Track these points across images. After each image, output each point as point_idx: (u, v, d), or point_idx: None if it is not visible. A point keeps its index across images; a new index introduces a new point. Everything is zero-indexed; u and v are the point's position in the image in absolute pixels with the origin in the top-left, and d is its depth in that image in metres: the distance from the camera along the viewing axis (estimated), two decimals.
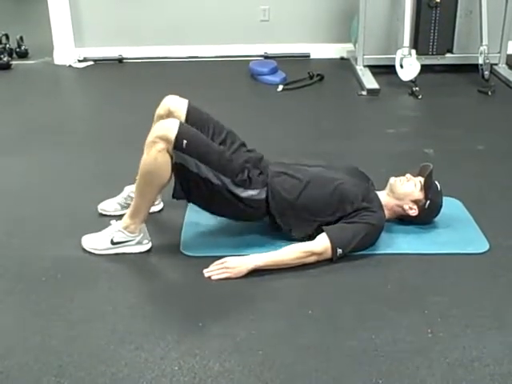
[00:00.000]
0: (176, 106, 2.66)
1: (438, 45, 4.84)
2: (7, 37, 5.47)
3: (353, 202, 2.51)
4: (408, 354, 2.00)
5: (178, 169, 2.39)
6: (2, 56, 5.21)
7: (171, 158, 2.36)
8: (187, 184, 2.44)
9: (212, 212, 2.59)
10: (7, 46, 5.41)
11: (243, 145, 2.68)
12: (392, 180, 2.67)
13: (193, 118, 2.62)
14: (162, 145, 2.34)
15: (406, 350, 2.01)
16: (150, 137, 2.38)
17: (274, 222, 2.57)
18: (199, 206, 2.56)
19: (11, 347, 2.04)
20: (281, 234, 2.56)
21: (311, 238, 2.50)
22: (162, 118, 2.62)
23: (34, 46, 5.60)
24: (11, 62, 5.25)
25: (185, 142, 2.35)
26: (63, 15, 5.20)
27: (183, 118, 2.60)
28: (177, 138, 2.34)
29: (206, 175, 2.40)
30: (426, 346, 2.03)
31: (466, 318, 2.16)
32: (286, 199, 2.51)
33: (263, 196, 2.50)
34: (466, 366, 1.94)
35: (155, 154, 2.35)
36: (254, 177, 2.50)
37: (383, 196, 2.65)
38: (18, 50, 5.50)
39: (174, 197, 2.50)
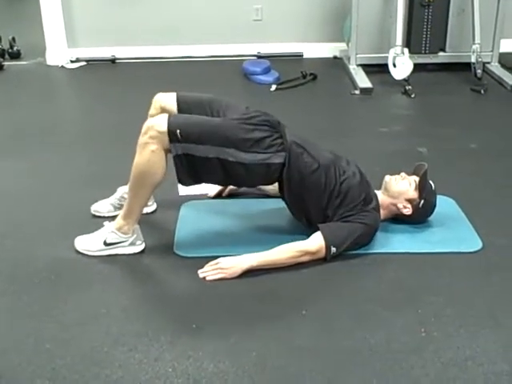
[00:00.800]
0: (165, 101, 2.65)
1: (431, 43, 4.85)
2: None
3: (354, 200, 2.51)
4: (402, 353, 2.00)
5: (181, 160, 2.36)
6: None
7: (166, 154, 2.35)
8: (196, 170, 2.40)
9: (231, 184, 2.68)
10: None
11: (248, 108, 2.64)
12: (387, 178, 2.67)
13: (185, 105, 2.61)
14: (154, 145, 2.33)
15: (401, 349, 2.01)
16: (141, 138, 2.37)
17: (280, 189, 2.55)
18: (214, 183, 2.58)
19: (4, 349, 2.03)
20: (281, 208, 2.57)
21: (308, 223, 2.53)
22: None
23: (27, 47, 5.59)
24: (3, 63, 5.23)
25: (178, 131, 2.33)
26: (55, 16, 5.19)
27: (175, 109, 2.60)
28: (169, 131, 2.33)
29: (211, 155, 2.36)
30: (420, 346, 2.03)
31: (459, 317, 2.16)
32: (301, 173, 2.46)
33: (278, 160, 2.43)
34: (460, 366, 1.95)
35: (148, 155, 2.34)
36: (267, 139, 2.43)
37: (379, 195, 2.65)
38: (10, 50, 5.49)
39: (180, 183, 2.46)
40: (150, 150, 2.34)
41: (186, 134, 2.35)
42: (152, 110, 2.67)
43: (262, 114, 2.54)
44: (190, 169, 2.39)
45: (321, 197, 2.50)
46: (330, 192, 2.50)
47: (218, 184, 2.73)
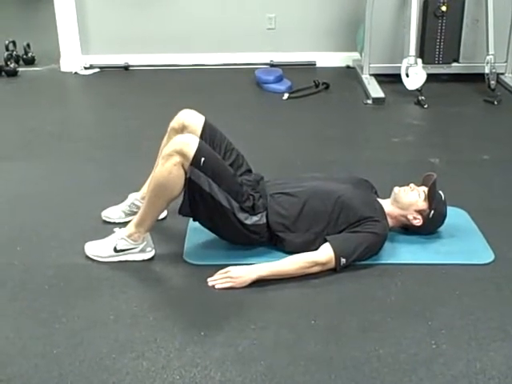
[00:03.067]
0: (191, 121, 2.66)
1: (444, 54, 4.83)
2: (14, 44, 5.49)
3: (355, 213, 2.50)
4: (411, 365, 1.98)
5: (190, 185, 2.38)
6: (8, 63, 5.24)
7: (185, 173, 2.36)
8: (196, 202, 2.42)
9: (216, 233, 2.58)
10: (14, 52, 5.43)
11: (249, 171, 2.71)
12: (396, 189, 2.66)
13: (207, 135, 2.63)
14: (178, 158, 2.34)
15: (410, 361, 2.00)
16: (167, 149, 2.37)
17: (279, 242, 2.55)
18: (204, 225, 2.54)
19: (13, 355, 2.03)
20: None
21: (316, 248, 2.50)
22: (176, 131, 2.64)
23: (41, 53, 5.63)
24: (18, 69, 5.27)
25: (203, 159, 2.35)
26: (70, 22, 5.23)
27: (198, 133, 2.60)
28: (196, 154, 2.34)
29: (217, 196, 2.39)
30: (429, 358, 2.01)
31: (470, 329, 2.15)
32: (287, 218, 2.51)
33: (265, 220, 2.50)
34: (470, 379, 1.93)
35: (170, 168, 2.35)
36: (256, 202, 2.50)
37: (387, 205, 2.64)
38: (24, 56, 5.53)
39: (180, 213, 2.49)
40: (172, 163, 2.34)
41: (208, 166, 2.37)
42: (174, 123, 2.68)
43: (251, 174, 2.65)
44: (192, 199, 2.41)
45: (319, 223, 2.50)
46: (327, 215, 2.50)
47: (209, 228, 2.64)
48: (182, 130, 2.63)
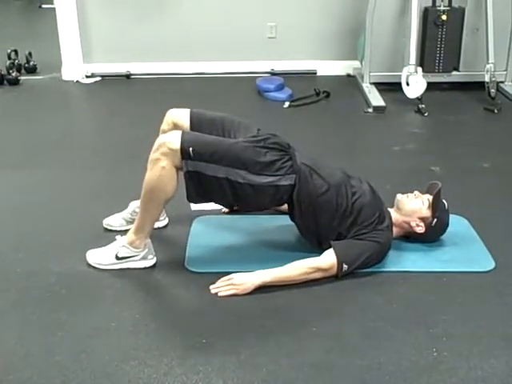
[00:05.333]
0: (178, 117, 2.66)
1: (444, 62, 4.85)
2: (16, 52, 5.51)
3: (367, 219, 2.50)
4: (413, 373, 1.98)
5: (191, 177, 2.36)
6: (10, 71, 5.25)
7: (177, 170, 2.36)
8: (204, 188, 2.40)
9: (239, 206, 2.59)
10: (16, 61, 5.45)
11: (260, 130, 2.62)
12: (399, 196, 2.67)
13: (198, 122, 2.61)
14: (165, 161, 2.34)
15: (411, 369, 2.00)
16: (153, 154, 2.38)
17: (290, 211, 2.55)
18: (222, 204, 2.54)
19: (14, 362, 2.03)
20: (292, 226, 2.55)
21: (318, 244, 2.52)
22: (166, 133, 2.63)
23: (43, 62, 5.64)
24: (20, 78, 5.28)
25: (191, 149, 2.34)
26: (72, 31, 5.25)
27: (187, 126, 2.60)
28: (181, 148, 2.33)
29: (221, 174, 2.37)
30: (430, 366, 2.01)
31: (471, 337, 2.15)
32: (310, 195, 2.47)
33: (288, 182, 2.44)
34: None
35: (159, 171, 2.35)
36: (277, 162, 2.43)
37: (391, 213, 2.65)
38: (26, 65, 5.55)
39: (189, 200, 2.46)
40: (160, 166, 2.35)
41: (199, 152, 2.35)
42: (164, 126, 2.68)
43: (273, 136, 2.54)
44: (199, 187, 2.40)
45: (333, 217, 2.50)
46: (342, 212, 2.49)
47: (227, 205, 2.67)
48: (173, 129, 2.60)
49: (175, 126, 2.63)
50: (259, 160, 2.41)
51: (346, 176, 2.60)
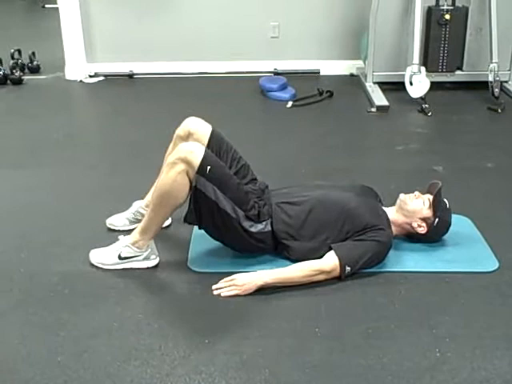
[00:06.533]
0: (197, 128, 2.66)
1: (448, 62, 4.84)
2: (19, 52, 5.52)
3: (361, 221, 2.50)
4: (415, 373, 1.98)
5: (195, 193, 2.38)
6: (14, 71, 5.26)
7: (190, 181, 2.37)
8: (201, 210, 2.43)
9: (221, 241, 2.57)
10: (19, 61, 5.46)
11: (254, 179, 2.70)
12: (402, 196, 2.66)
13: (214, 144, 2.62)
14: (182, 166, 2.34)
15: (414, 369, 2.00)
16: (172, 157, 2.38)
17: (284, 250, 2.55)
18: (209, 233, 2.54)
19: (18, 362, 2.04)
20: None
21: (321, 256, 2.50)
22: (181, 138, 2.64)
23: (46, 62, 5.65)
24: (23, 77, 5.29)
25: (208, 167, 2.35)
26: (75, 31, 5.25)
27: (205, 142, 2.60)
28: (202, 162, 2.34)
29: (222, 204, 2.40)
30: (433, 366, 2.01)
31: (474, 337, 2.14)
32: (292, 227, 2.51)
33: (270, 228, 2.50)
34: None
35: (175, 176, 2.35)
36: (261, 210, 2.51)
37: (392, 213, 2.64)
38: (30, 65, 5.55)
39: (185, 221, 2.50)
40: (176, 170, 2.35)
41: (214, 174, 2.37)
42: (180, 131, 2.68)
43: (257, 183, 2.64)
44: (196, 205, 2.41)
45: (324, 231, 2.50)
46: (332, 225, 2.50)
47: (214, 237, 2.61)
48: (188, 137, 2.63)
49: (190, 135, 2.63)
50: (253, 210, 2.47)
51: (327, 189, 2.63)
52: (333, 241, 2.49)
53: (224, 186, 2.41)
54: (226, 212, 2.41)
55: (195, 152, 2.37)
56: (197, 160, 2.34)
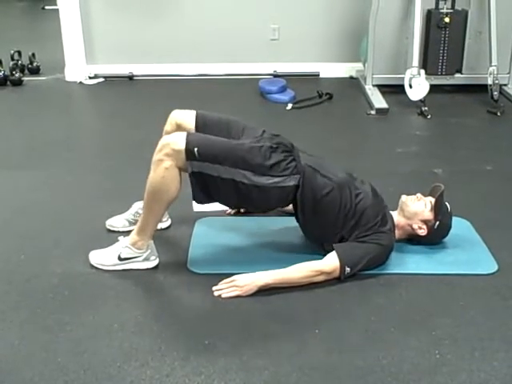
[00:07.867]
0: (183, 118, 2.65)
1: (447, 65, 4.85)
2: (19, 53, 5.53)
3: (369, 221, 2.50)
4: (415, 375, 1.98)
5: (196, 178, 2.37)
6: (14, 72, 5.26)
7: (181, 171, 2.35)
8: (210, 189, 2.40)
9: (244, 207, 2.61)
10: (19, 62, 5.47)
11: (265, 132, 2.62)
12: (404, 198, 2.67)
13: (203, 124, 2.61)
14: (169, 162, 2.34)
15: (413, 371, 2.00)
16: (156, 155, 2.37)
17: (295, 211, 2.54)
18: (228, 205, 2.53)
19: (17, 363, 2.03)
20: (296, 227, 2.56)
21: (321, 245, 2.51)
22: (169, 134, 2.63)
23: (46, 63, 5.66)
24: (23, 78, 5.30)
25: (196, 149, 2.34)
26: (75, 33, 5.26)
27: (192, 128, 2.60)
28: (186, 149, 2.33)
29: (226, 175, 2.36)
30: (433, 368, 2.01)
31: (474, 340, 2.14)
32: (314, 195, 2.46)
33: (292, 183, 2.43)
34: None
35: (162, 172, 2.35)
36: (283, 162, 2.43)
37: (394, 215, 2.65)
38: (29, 66, 5.56)
39: (194, 199, 2.45)
40: (164, 167, 2.35)
41: (204, 153, 2.35)
42: (167, 127, 2.68)
43: (277, 137, 2.54)
44: (204, 187, 2.40)
45: (336, 218, 2.49)
46: (345, 213, 2.49)
47: (232, 206, 2.66)
48: (177, 130, 2.60)
49: (179, 128, 2.62)
50: (264, 161, 2.40)
51: (350, 177, 2.60)
52: (336, 230, 2.48)
53: (220, 157, 2.35)
54: (233, 179, 2.36)
55: (177, 142, 2.34)
56: (181, 148, 2.32)
